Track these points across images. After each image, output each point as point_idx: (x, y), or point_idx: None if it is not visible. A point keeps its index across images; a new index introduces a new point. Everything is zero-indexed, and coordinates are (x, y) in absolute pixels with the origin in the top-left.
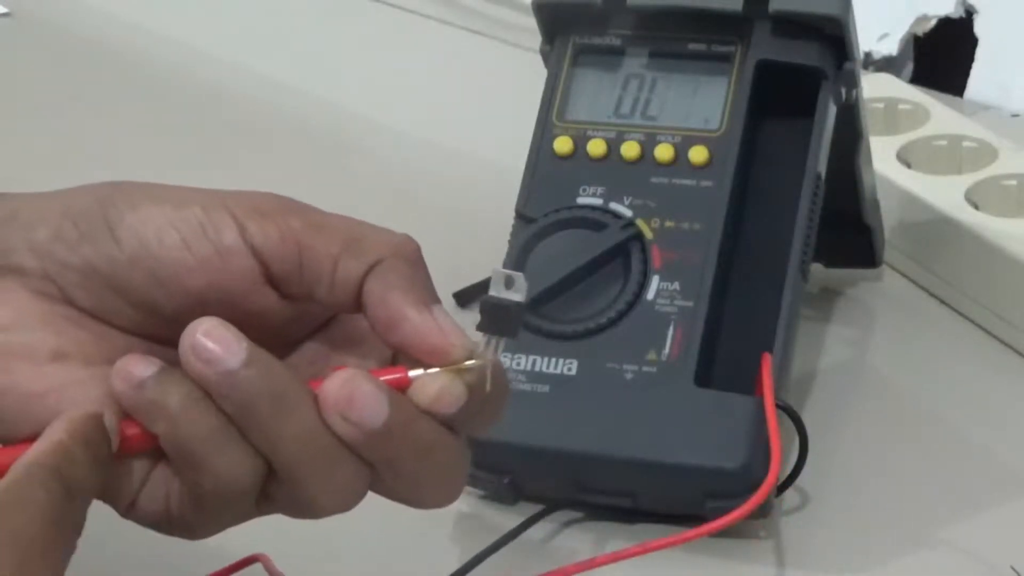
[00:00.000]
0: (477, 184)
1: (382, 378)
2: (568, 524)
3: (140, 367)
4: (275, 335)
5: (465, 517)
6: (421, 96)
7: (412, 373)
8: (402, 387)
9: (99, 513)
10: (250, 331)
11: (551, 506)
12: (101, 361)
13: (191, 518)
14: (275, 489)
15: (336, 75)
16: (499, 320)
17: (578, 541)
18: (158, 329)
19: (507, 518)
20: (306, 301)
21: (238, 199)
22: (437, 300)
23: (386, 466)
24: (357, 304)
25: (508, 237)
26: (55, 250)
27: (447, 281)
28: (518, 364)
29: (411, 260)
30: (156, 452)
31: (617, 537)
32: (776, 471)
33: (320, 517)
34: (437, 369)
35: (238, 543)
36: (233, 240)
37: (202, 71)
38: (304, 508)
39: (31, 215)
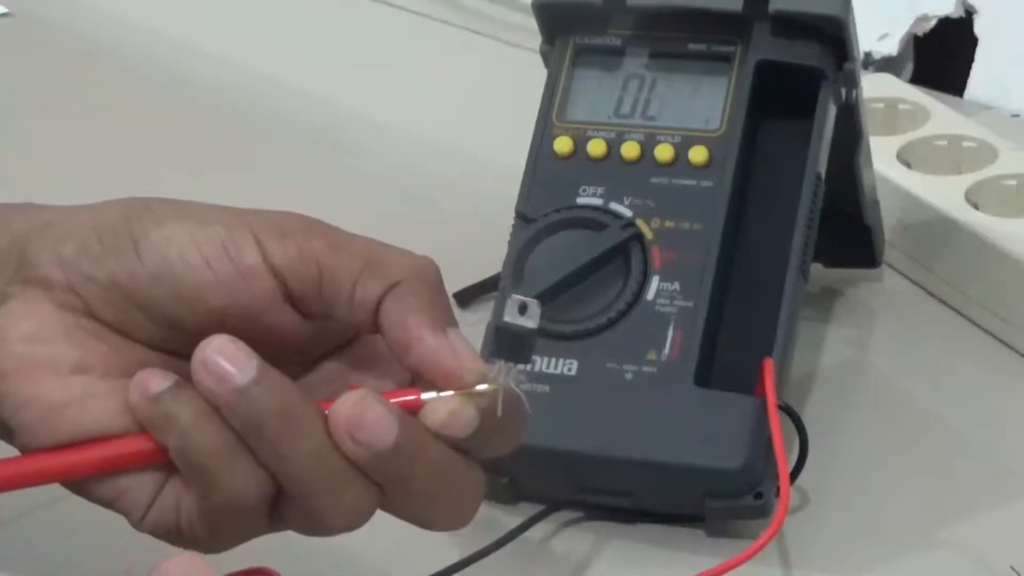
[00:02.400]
0: (477, 184)
1: (394, 400)
2: (568, 524)
3: (155, 381)
4: (294, 352)
5: None
6: (421, 96)
7: (424, 395)
8: (414, 409)
9: (108, 520)
10: (269, 348)
11: (551, 506)
12: (120, 374)
13: (201, 532)
14: (285, 506)
15: (336, 75)
16: (512, 346)
17: (578, 541)
18: (178, 344)
19: (507, 518)
20: (325, 320)
21: (260, 218)
22: (454, 323)
23: (395, 487)
24: (375, 324)
25: (508, 237)
26: (80, 263)
27: (447, 281)
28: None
29: (429, 282)
30: (169, 466)
31: (617, 537)
32: (786, 481)
33: (329, 535)
34: (450, 392)
35: None
36: (254, 260)
37: (202, 71)
38: (313, 526)
39: (63, 228)
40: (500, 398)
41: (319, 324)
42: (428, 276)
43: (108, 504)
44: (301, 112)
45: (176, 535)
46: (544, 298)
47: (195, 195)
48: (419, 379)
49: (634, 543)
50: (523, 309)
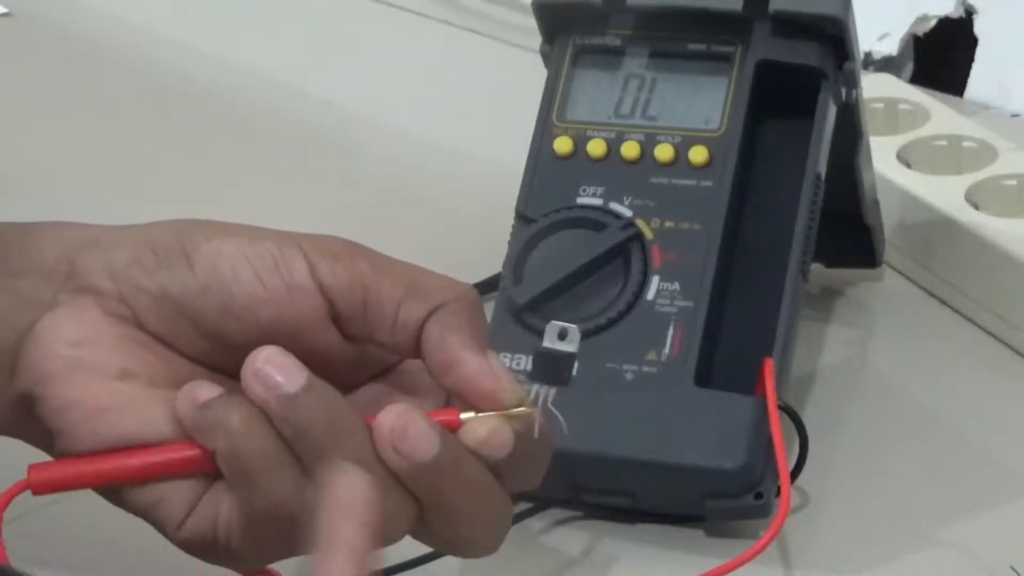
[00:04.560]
0: (477, 184)
1: (434, 417)
2: (567, 523)
3: (205, 390)
4: (335, 375)
5: None
6: (421, 96)
7: (464, 415)
8: (453, 427)
9: (127, 525)
10: (312, 368)
11: (540, 504)
12: (164, 384)
13: (238, 544)
14: None
15: (336, 75)
16: (551, 370)
17: (577, 541)
18: (222, 358)
19: None
20: (367, 342)
21: (309, 239)
22: (491, 347)
23: (432, 503)
24: (416, 347)
25: (508, 237)
26: (132, 274)
27: None
28: (518, 364)
29: (470, 307)
30: (207, 477)
31: (616, 537)
32: (787, 481)
33: None
34: (489, 413)
35: None
36: (304, 277)
37: (202, 71)
38: None
39: (112, 242)
40: (537, 420)
41: (359, 349)
42: (469, 300)
43: (144, 512)
44: (301, 112)
45: (212, 547)
46: (544, 298)
47: (194, 195)
48: (455, 401)
49: (633, 543)
50: (563, 335)
